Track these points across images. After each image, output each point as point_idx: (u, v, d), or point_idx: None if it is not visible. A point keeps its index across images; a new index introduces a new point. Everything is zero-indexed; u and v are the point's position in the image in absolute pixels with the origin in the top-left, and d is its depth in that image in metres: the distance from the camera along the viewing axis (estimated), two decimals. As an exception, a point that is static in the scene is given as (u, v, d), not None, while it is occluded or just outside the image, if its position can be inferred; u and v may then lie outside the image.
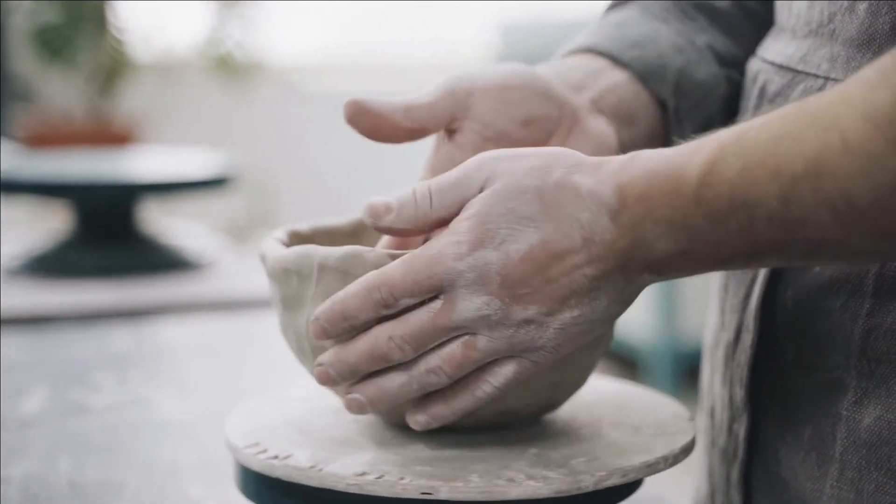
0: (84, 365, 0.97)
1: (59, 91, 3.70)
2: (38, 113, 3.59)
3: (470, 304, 0.49)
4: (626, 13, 0.70)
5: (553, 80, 0.61)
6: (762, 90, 0.63)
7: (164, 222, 1.55)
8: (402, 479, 0.51)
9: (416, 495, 0.50)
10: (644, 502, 0.61)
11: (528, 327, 0.49)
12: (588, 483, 0.51)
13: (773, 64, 0.62)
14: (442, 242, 0.50)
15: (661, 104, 0.65)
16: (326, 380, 0.52)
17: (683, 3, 0.70)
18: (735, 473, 0.62)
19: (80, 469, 0.71)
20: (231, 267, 1.38)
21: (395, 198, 0.52)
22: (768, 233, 0.47)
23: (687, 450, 0.55)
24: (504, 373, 0.51)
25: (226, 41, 3.72)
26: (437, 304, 0.50)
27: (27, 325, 1.12)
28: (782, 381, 0.59)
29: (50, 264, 1.30)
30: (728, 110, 0.68)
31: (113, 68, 3.59)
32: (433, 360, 0.50)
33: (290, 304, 0.55)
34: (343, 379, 0.52)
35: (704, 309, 0.74)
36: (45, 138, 3.29)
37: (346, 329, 0.51)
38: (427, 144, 0.62)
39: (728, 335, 0.63)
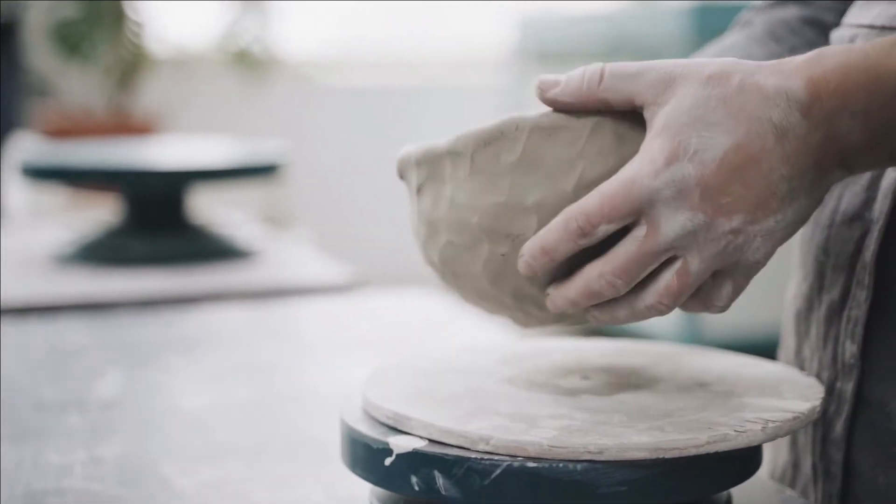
0: (151, 349, 0.97)
1: (77, 86, 3.70)
2: (57, 107, 3.58)
3: (674, 223, 0.49)
4: (735, 38, 0.74)
5: None
6: None
7: (209, 210, 1.54)
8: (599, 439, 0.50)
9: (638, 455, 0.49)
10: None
11: (737, 239, 0.50)
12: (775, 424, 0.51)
13: (872, 27, 0.63)
14: (635, 164, 0.50)
15: None
16: (554, 307, 0.54)
17: (794, 21, 0.73)
18: (839, 430, 0.62)
19: (171, 448, 0.71)
20: (278, 255, 1.38)
21: (566, 75, 0.53)
22: None
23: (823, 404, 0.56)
24: (725, 293, 0.52)
25: (243, 36, 3.71)
26: (640, 231, 0.50)
27: (88, 310, 1.12)
28: (894, 334, 0.60)
29: (102, 252, 1.29)
30: None
31: (131, 63, 3.58)
32: (650, 297, 0.51)
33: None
34: (567, 309, 0.54)
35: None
36: (65, 133, 3.28)
37: (549, 263, 0.52)
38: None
39: (832, 295, 0.63)
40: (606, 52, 3.33)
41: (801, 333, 0.67)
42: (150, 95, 3.69)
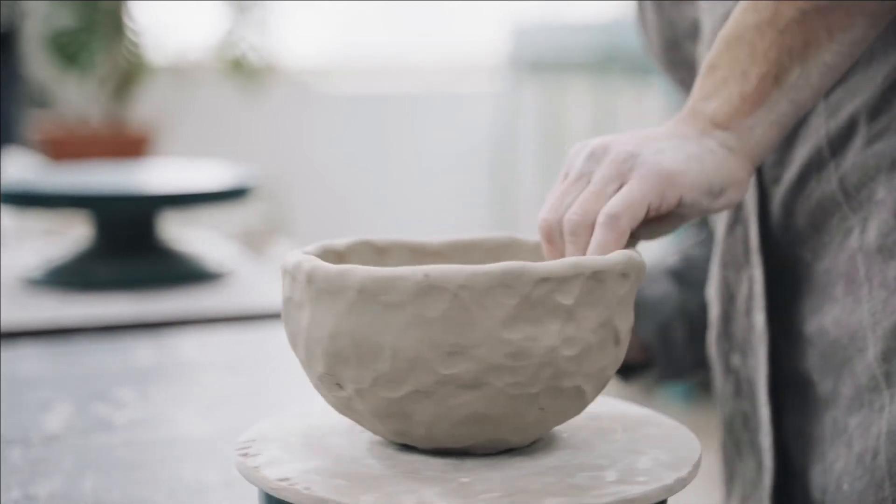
0: (106, 379, 0.97)
1: (75, 95, 3.71)
2: (55, 118, 3.60)
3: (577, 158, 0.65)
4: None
5: None
6: None
7: (182, 233, 1.55)
8: None
9: None
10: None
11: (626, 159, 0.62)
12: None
13: None
14: None
15: None
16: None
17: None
18: (762, 394, 0.78)
19: (106, 487, 0.72)
20: (250, 277, 1.39)
21: None
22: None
23: (697, 467, 0.57)
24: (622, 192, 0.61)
25: (240, 44, 3.72)
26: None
27: (48, 337, 1.13)
28: (792, 296, 0.77)
29: (69, 276, 1.30)
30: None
31: (129, 72, 3.60)
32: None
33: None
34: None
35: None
36: (62, 143, 3.30)
37: None
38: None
39: (741, 292, 0.79)
40: (600, 60, 3.33)
41: (729, 338, 0.81)
42: (148, 104, 3.70)
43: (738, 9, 0.66)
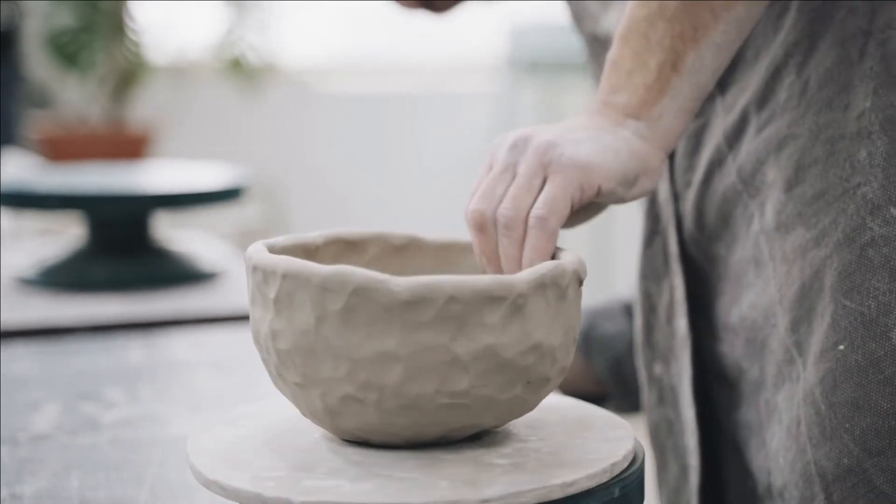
0: (97, 379, 0.98)
1: (75, 95, 3.71)
2: (55, 118, 3.60)
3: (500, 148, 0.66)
4: None
5: None
6: None
7: (176, 233, 1.56)
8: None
9: None
10: None
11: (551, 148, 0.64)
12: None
13: None
14: None
15: None
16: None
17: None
18: (686, 391, 0.81)
19: (92, 486, 0.72)
20: (243, 277, 1.39)
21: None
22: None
23: (628, 458, 0.57)
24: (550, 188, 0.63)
25: (239, 43, 3.72)
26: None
27: (40, 336, 1.13)
28: (708, 284, 0.81)
29: (62, 276, 1.31)
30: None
31: (129, 71, 3.60)
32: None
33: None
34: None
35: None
36: (61, 142, 3.30)
37: None
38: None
39: (662, 300, 0.83)
40: (598, 61, 3.34)
41: (652, 347, 0.84)
42: (147, 104, 3.71)
43: (629, 7, 0.70)
